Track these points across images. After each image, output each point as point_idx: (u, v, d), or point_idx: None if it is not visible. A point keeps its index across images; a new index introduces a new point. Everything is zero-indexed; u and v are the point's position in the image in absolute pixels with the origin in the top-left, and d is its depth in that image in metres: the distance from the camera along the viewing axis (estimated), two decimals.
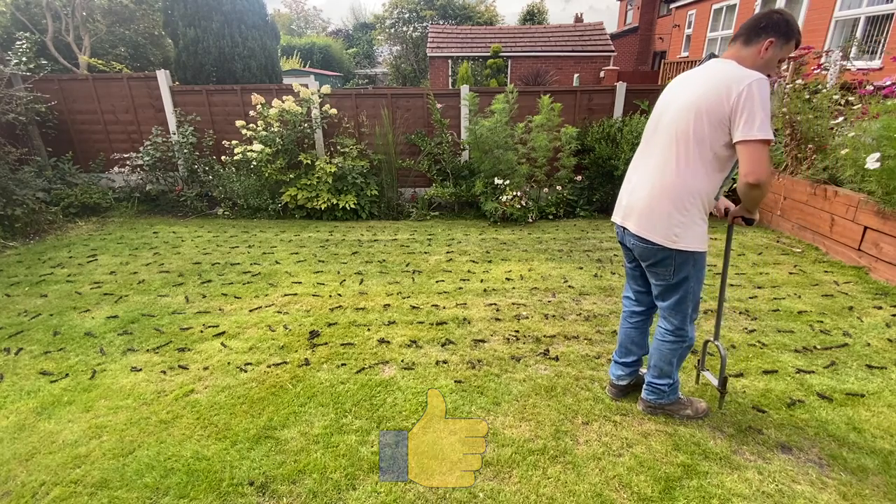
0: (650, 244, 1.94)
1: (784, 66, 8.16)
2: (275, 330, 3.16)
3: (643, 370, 2.47)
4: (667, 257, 1.94)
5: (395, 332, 3.11)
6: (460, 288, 3.83)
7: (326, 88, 6.21)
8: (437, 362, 2.76)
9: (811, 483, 1.89)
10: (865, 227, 3.98)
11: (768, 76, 1.85)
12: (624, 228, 2.07)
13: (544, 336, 3.05)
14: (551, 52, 18.27)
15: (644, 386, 2.29)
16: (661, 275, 2.02)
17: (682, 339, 2.09)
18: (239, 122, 5.98)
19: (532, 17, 26.22)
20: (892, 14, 7.80)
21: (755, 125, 1.66)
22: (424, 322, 3.26)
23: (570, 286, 3.83)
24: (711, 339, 2.30)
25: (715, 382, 2.29)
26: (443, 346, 2.95)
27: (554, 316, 3.32)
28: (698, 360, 2.46)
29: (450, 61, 18.62)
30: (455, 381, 2.57)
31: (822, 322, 3.16)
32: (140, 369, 2.72)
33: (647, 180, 1.95)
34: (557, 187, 6.09)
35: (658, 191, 1.90)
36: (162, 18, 9.43)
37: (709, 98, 1.76)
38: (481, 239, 5.18)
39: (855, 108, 4.61)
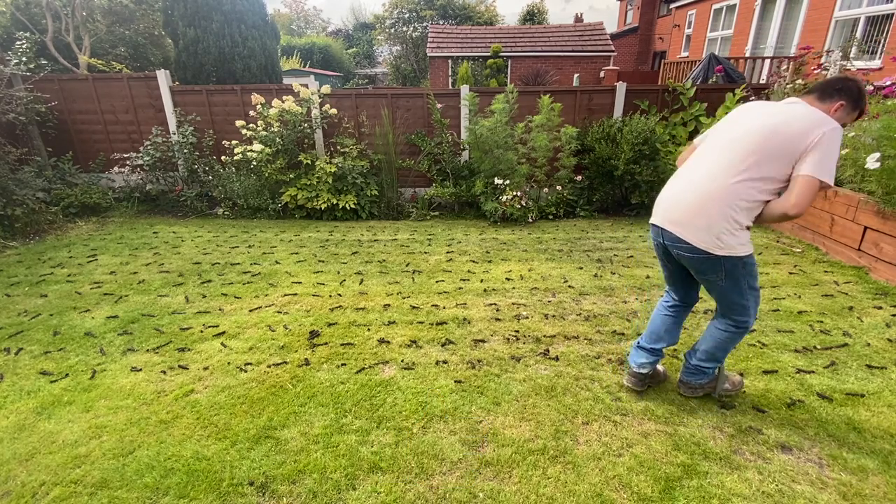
0: (691, 252, 2.02)
1: (784, 67, 8.17)
2: (275, 330, 3.16)
3: (660, 367, 2.55)
4: (710, 265, 2.02)
5: (395, 332, 3.11)
6: (460, 288, 3.83)
7: (326, 88, 6.21)
8: (437, 362, 2.76)
9: (811, 483, 1.89)
10: (865, 227, 3.98)
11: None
12: (662, 230, 2.17)
13: (544, 336, 3.05)
14: (551, 52, 18.27)
15: (684, 368, 2.36)
16: (711, 280, 2.08)
17: (742, 329, 2.16)
18: (239, 122, 5.98)
19: (532, 17, 26.22)
20: (892, 14, 7.79)
21: (820, 165, 1.78)
22: (424, 322, 3.25)
23: (570, 286, 3.83)
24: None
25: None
26: (443, 346, 2.95)
27: (554, 316, 3.32)
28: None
29: (450, 61, 18.62)
30: (455, 381, 2.57)
31: (822, 322, 3.16)
32: (140, 369, 2.72)
33: (695, 188, 2.02)
34: (557, 187, 6.09)
35: (709, 202, 1.97)
36: (162, 18, 9.43)
37: (790, 127, 1.86)
38: (481, 239, 5.18)
39: None
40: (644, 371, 2.39)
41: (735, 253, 1.95)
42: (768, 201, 1.93)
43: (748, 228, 1.97)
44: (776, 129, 1.88)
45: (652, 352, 2.38)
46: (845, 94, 1.92)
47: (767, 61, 9.38)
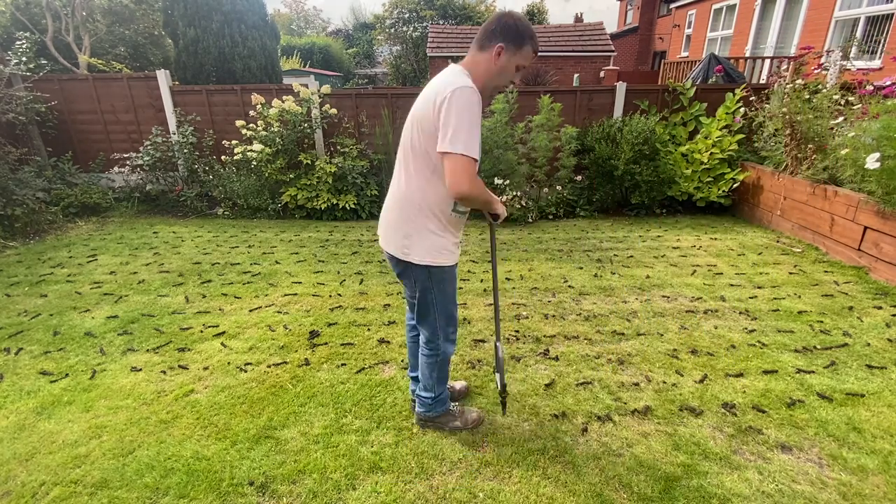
0: (390, 256, 1.90)
1: (784, 67, 8.17)
2: (275, 330, 3.16)
3: (458, 384, 2.46)
4: (405, 269, 1.89)
5: (395, 332, 3.11)
6: (460, 288, 3.82)
7: (326, 88, 6.21)
8: None
9: (811, 483, 1.89)
10: (865, 227, 3.98)
11: (511, 84, 1.76)
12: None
13: (544, 336, 3.05)
14: (551, 52, 18.26)
15: (415, 397, 2.22)
16: (407, 286, 1.99)
17: (435, 352, 2.01)
18: (239, 122, 5.98)
19: (532, 17, 26.21)
20: (892, 14, 7.79)
21: (448, 137, 1.58)
22: None
23: (570, 286, 3.83)
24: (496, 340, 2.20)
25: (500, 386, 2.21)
26: None
27: (554, 316, 3.32)
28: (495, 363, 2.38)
29: (450, 61, 18.55)
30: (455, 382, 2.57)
31: (822, 322, 3.16)
32: (140, 369, 2.72)
33: (389, 194, 1.92)
34: (557, 187, 6.09)
35: (392, 203, 1.88)
36: (162, 18, 9.43)
37: (422, 107, 1.70)
38: (481, 239, 5.18)
39: (855, 108, 4.61)
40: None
41: (421, 261, 1.82)
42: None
43: (439, 233, 1.82)
44: (414, 115, 1.73)
45: (415, 380, 2.29)
46: (501, 35, 1.68)
47: (767, 61, 9.38)
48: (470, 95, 1.61)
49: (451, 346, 2.05)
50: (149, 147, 6.17)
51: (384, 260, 4.49)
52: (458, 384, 2.48)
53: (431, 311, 1.95)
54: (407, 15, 24.12)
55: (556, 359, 2.79)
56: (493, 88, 1.80)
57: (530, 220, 5.83)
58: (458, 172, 1.60)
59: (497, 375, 2.16)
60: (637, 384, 2.53)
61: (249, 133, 5.89)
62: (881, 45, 8.02)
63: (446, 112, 1.59)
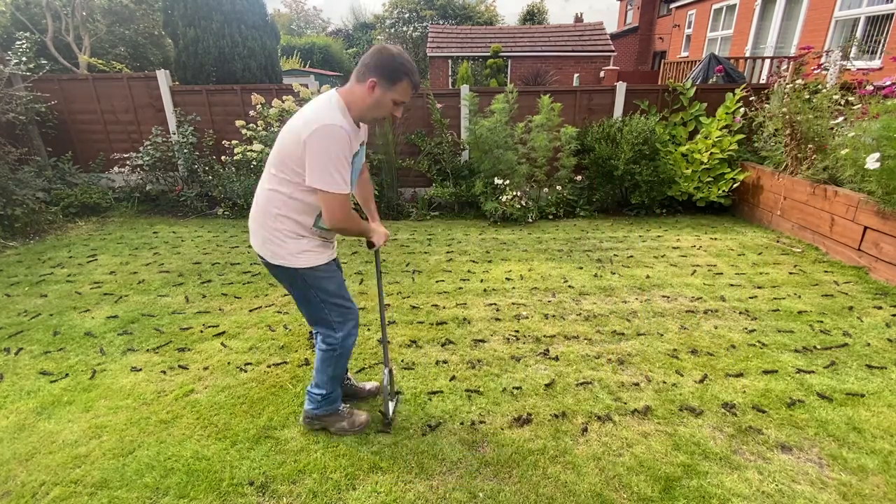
0: (262, 258, 1.90)
1: (784, 67, 8.17)
2: (275, 330, 3.16)
3: (368, 384, 2.47)
4: (277, 272, 1.91)
5: (394, 332, 3.11)
6: (460, 288, 3.82)
7: (326, 88, 6.20)
8: (437, 362, 2.76)
9: (811, 483, 1.89)
10: (865, 227, 3.98)
11: (394, 117, 1.77)
12: None
13: (544, 336, 3.05)
14: (551, 52, 18.26)
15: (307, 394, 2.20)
16: (286, 288, 2.00)
17: (332, 347, 2.01)
18: (239, 122, 5.97)
19: (532, 17, 26.23)
20: (892, 14, 7.79)
21: (314, 175, 1.65)
22: (424, 322, 3.25)
23: (570, 286, 3.83)
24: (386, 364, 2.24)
25: (390, 409, 2.23)
26: (443, 345, 2.95)
27: (554, 316, 3.32)
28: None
29: (450, 61, 18.61)
30: (455, 381, 2.57)
31: (822, 322, 3.16)
32: (140, 369, 2.71)
33: (255, 196, 1.90)
34: (557, 187, 6.09)
35: (254, 206, 1.87)
36: (162, 18, 9.42)
37: (291, 131, 1.70)
38: (481, 239, 5.18)
39: (855, 108, 4.61)
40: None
41: (290, 264, 1.83)
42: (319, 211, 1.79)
43: (298, 238, 1.82)
44: (287, 128, 1.74)
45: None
46: (374, 70, 1.67)
47: (767, 61, 9.38)
48: (331, 133, 1.63)
49: (349, 340, 2.03)
50: (149, 147, 6.17)
51: (384, 260, 4.49)
52: (370, 384, 2.47)
53: (320, 309, 1.96)
54: (407, 15, 24.14)
55: (556, 359, 2.79)
56: (371, 119, 1.80)
57: (530, 220, 5.83)
58: (332, 209, 1.71)
59: (387, 404, 2.20)
60: (637, 384, 2.53)
61: (249, 133, 5.89)
62: (881, 45, 8.02)
63: (310, 151, 1.63)
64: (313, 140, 1.62)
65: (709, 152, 5.75)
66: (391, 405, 2.26)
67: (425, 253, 4.71)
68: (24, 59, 6.21)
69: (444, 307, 3.48)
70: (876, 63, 7.77)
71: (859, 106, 4.59)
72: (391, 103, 1.74)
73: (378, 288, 2.21)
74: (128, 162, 6.24)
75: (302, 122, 1.69)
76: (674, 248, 4.74)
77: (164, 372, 2.69)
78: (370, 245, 2.08)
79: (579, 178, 6.24)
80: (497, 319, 3.28)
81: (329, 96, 1.75)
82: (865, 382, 2.51)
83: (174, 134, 6.35)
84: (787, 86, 5.01)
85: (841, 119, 4.57)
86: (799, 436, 2.14)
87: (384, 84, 1.69)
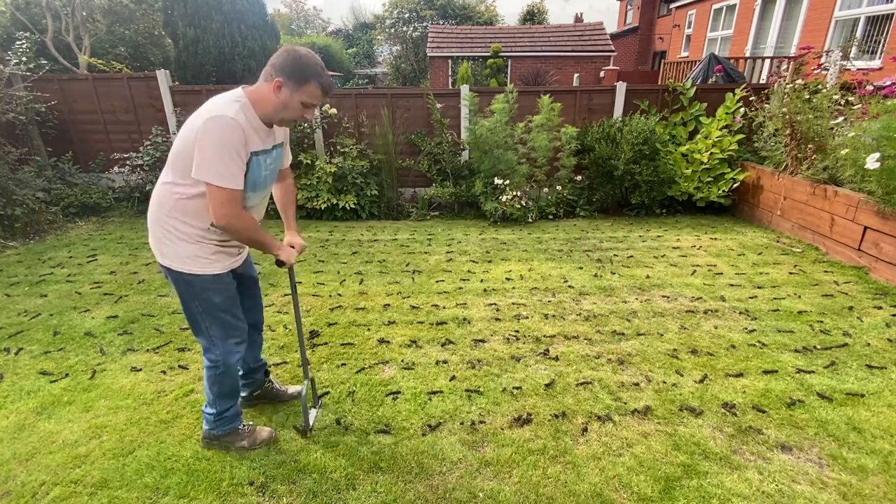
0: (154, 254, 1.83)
1: (784, 67, 8.17)
2: (275, 330, 3.16)
3: (292, 388, 2.44)
4: (166, 274, 1.83)
5: (395, 332, 3.11)
6: (460, 288, 3.83)
7: None
8: (437, 362, 2.76)
9: (811, 483, 1.89)
10: (865, 227, 3.98)
11: (304, 119, 1.77)
12: None
13: (544, 336, 3.05)
14: (551, 52, 18.26)
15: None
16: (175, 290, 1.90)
17: (214, 364, 1.93)
18: None
19: (532, 17, 26.22)
20: (892, 14, 7.79)
21: (199, 165, 1.59)
22: (424, 322, 3.25)
23: (570, 286, 3.83)
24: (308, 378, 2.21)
25: (309, 421, 2.16)
26: (443, 345, 2.95)
27: (554, 316, 3.32)
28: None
29: (450, 61, 18.61)
30: (455, 381, 2.57)
31: (822, 322, 3.16)
32: (140, 369, 2.71)
33: (151, 197, 1.84)
34: (557, 187, 6.09)
35: (151, 203, 1.81)
36: (162, 18, 9.44)
37: (189, 125, 1.67)
38: (481, 239, 5.18)
39: (855, 108, 4.61)
40: (244, 393, 2.27)
41: (174, 266, 1.76)
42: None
43: (190, 242, 1.75)
44: (186, 122, 1.69)
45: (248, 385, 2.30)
46: (281, 70, 1.64)
47: (767, 61, 9.38)
48: (223, 124, 1.58)
49: (232, 358, 1.93)
50: (149, 147, 6.17)
51: (384, 260, 4.49)
52: (293, 388, 2.43)
53: (199, 321, 1.88)
54: (407, 15, 24.13)
55: (556, 359, 2.79)
56: (279, 120, 1.75)
57: (530, 220, 5.83)
58: (218, 204, 1.62)
59: (306, 415, 2.15)
60: (637, 384, 2.53)
61: None
62: (881, 45, 8.02)
63: (200, 142, 1.58)
64: (204, 130, 1.58)
65: (709, 152, 5.75)
66: (312, 413, 2.22)
67: (425, 253, 4.71)
68: (24, 59, 6.21)
69: (444, 307, 3.48)
70: (876, 63, 7.77)
71: (859, 106, 4.59)
72: (300, 105, 1.71)
73: (294, 306, 2.12)
74: (128, 162, 6.23)
75: (198, 115, 1.65)
76: (674, 248, 4.74)
77: (164, 372, 2.69)
78: (279, 263, 1.93)
79: (579, 178, 6.24)
80: (497, 319, 3.28)
81: (233, 92, 1.72)
82: (865, 382, 2.51)
83: (174, 134, 6.35)
84: (787, 86, 5.01)
85: (841, 119, 4.57)
86: (799, 436, 2.14)
87: (291, 85, 1.66)
